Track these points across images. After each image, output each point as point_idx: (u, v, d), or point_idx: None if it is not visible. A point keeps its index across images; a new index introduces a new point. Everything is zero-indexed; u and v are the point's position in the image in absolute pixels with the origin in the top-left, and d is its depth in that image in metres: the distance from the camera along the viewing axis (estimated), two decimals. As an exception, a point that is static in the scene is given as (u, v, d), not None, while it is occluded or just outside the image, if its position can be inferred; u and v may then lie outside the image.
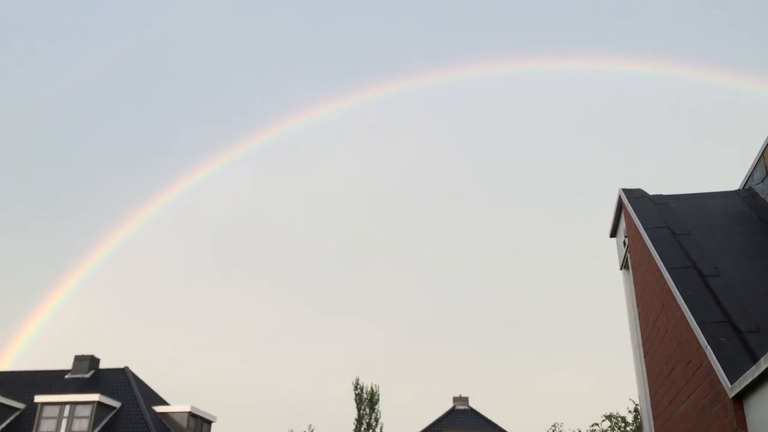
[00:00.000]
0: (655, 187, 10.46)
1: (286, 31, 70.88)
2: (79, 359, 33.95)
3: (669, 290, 7.66)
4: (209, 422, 33.36)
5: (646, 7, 67.29)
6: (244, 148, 55.96)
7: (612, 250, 12.14)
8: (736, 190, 10.39)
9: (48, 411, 29.42)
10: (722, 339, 6.12)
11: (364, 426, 40.50)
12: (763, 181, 9.83)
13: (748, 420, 5.48)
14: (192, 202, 67.44)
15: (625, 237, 10.78)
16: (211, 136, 74.86)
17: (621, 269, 11.65)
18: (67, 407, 29.38)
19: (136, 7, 68.57)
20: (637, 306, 10.33)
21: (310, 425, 42.64)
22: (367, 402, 41.10)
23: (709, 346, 6.08)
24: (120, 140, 71.32)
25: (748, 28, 66.27)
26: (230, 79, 72.22)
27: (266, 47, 71.57)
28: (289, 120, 57.61)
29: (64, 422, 29.15)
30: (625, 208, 10.34)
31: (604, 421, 29.60)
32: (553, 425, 33.80)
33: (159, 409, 31.59)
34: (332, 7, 71.18)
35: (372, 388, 41.58)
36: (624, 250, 11.08)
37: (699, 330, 6.38)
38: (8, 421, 30.50)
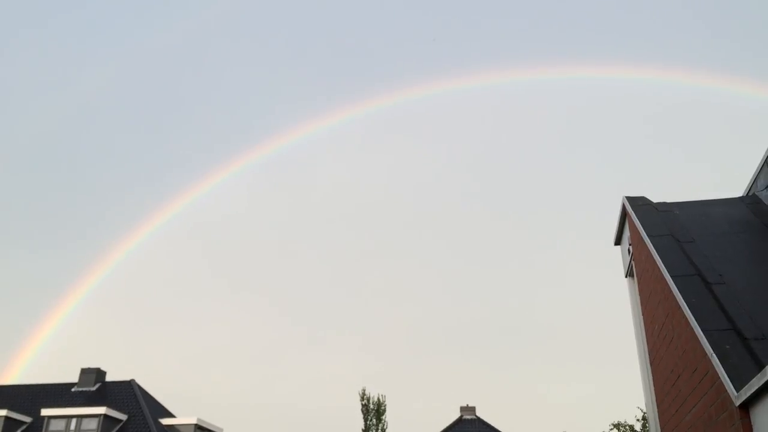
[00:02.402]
0: (648, 193, 10.49)
1: (274, 50, 71.54)
2: (85, 372, 33.99)
3: (674, 298, 7.65)
4: (216, 434, 33.33)
5: (631, 14, 67.47)
6: (241, 164, 56.29)
7: (613, 258, 12.15)
8: (740, 197, 10.39)
9: (55, 424, 29.44)
10: (727, 347, 6.11)
11: (371, 436, 40.37)
12: (767, 187, 9.82)
13: (754, 428, 5.46)
14: (195, 217, 67.67)
15: (630, 245, 10.78)
16: (209, 152, 75.30)
17: (626, 277, 11.65)
18: (74, 420, 29.40)
19: (133, 25, 69.11)
20: (643, 314, 10.32)
21: (316, 436, 42.56)
22: (373, 412, 40.97)
23: (714, 354, 6.07)
24: (119, 155, 71.84)
25: (741, 33, 66.31)
26: (224, 98, 72.77)
27: (256, 65, 72.19)
28: (281, 135, 57.95)
29: (70, 435, 29.18)
30: (629, 216, 10.35)
31: (612, 429, 29.41)
32: (561, 434, 33.58)
33: (165, 421, 31.57)
34: (319, 26, 71.72)
35: (378, 398, 41.48)
36: (628, 258, 11.08)
37: (704, 338, 6.37)
38: (15, 434, 30.54)
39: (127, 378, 33.94)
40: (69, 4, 68.81)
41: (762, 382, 5.08)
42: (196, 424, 31.35)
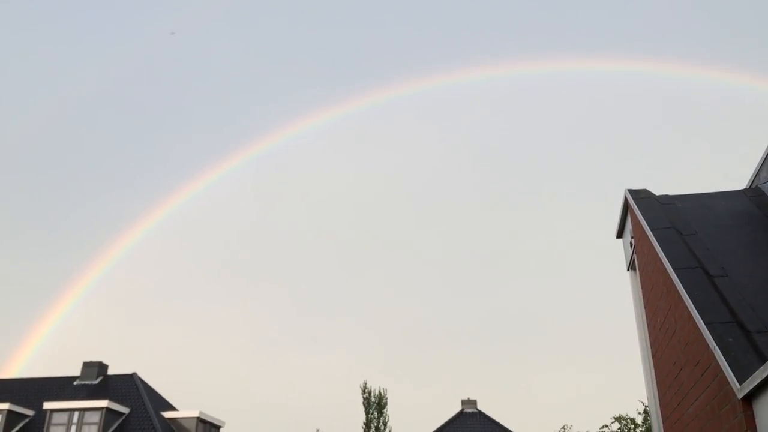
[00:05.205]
0: (648, 185, 10.45)
1: (277, 42, 71.32)
2: (87, 365, 34.05)
3: (676, 291, 7.63)
4: (217, 427, 33.40)
5: (634, 7, 67.24)
6: (243, 156, 56.20)
7: (612, 250, 12.12)
8: (742, 190, 10.35)
9: (57, 417, 29.51)
10: (730, 339, 6.09)
11: (373, 430, 40.45)
12: (769, 180, 9.78)
13: (757, 420, 5.45)
14: (195, 210, 67.65)
15: (632, 238, 10.75)
16: (210, 145, 75.22)
17: (628, 270, 11.62)
18: (76, 413, 29.46)
19: (132, 18, 68.96)
20: (645, 307, 10.29)
21: (317, 429, 42.69)
22: (375, 406, 41.05)
23: (717, 347, 6.05)
24: (119, 149, 71.83)
25: (740, 25, 66.04)
26: (227, 90, 72.56)
27: (258, 58, 72.07)
28: (286, 129, 57.80)
29: (73, 428, 29.24)
30: (631, 209, 10.32)
31: (613, 422, 29.47)
32: (563, 427, 33.73)
33: (167, 414, 31.64)
34: (322, 18, 71.49)
35: (380, 391, 41.55)
36: (630, 251, 11.05)
37: (707, 330, 6.35)
38: (18, 427, 30.61)
39: (129, 371, 34.01)
40: (63, 4, 68.72)
41: (765, 374, 5.06)
42: (198, 418, 31.40)
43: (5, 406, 30.01)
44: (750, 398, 5.53)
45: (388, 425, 40.76)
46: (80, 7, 69.34)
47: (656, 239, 8.57)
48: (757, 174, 10.20)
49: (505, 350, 64.94)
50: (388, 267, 72.38)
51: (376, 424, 40.59)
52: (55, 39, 69.16)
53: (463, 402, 39.02)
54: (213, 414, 33.01)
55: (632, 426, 28.74)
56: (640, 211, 9.63)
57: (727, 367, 5.77)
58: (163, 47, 67.27)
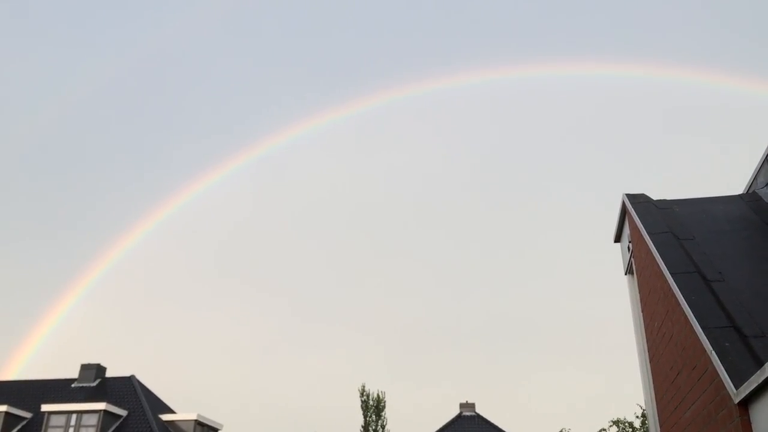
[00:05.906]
0: (647, 188, 10.49)
1: (276, 47, 71.59)
2: (85, 368, 34.02)
3: (673, 295, 7.65)
4: (215, 430, 33.37)
5: (634, 10, 67.43)
6: (241, 160, 56.44)
7: (611, 253, 12.15)
8: (740, 195, 10.38)
9: (55, 420, 29.48)
10: (727, 344, 6.11)
11: (371, 433, 40.43)
12: (767, 185, 9.82)
13: (753, 425, 5.47)
14: (194, 212, 67.78)
15: (629, 242, 10.78)
16: (210, 148, 75.44)
17: (626, 274, 11.64)
18: (74, 416, 29.44)
19: (134, 23, 69.08)
20: (642, 311, 10.32)
21: (315, 432, 42.64)
22: (373, 409, 41.02)
23: (713, 352, 6.07)
24: (119, 151, 71.90)
25: (740, 28, 66.22)
26: (226, 94, 72.85)
27: (257, 61, 72.24)
28: (283, 132, 57.97)
29: (71, 431, 29.21)
30: (629, 213, 10.35)
31: (611, 426, 29.45)
32: (561, 430, 33.69)
33: (165, 417, 31.62)
34: (322, 21, 71.74)
35: (378, 394, 41.52)
36: (628, 255, 11.08)
37: (703, 335, 6.37)
38: (15, 430, 30.57)
39: (127, 374, 34.00)
40: (66, 5, 68.80)
41: (761, 379, 5.08)
42: (196, 420, 31.39)
43: (3, 408, 29.98)
44: (746, 403, 5.56)
45: (386, 428, 40.75)
46: (82, 10, 69.47)
47: (653, 244, 8.59)
48: (755, 179, 10.23)
49: (504, 353, 64.99)
50: (387, 268, 72.46)
51: (374, 427, 40.56)
52: (57, 41, 69.25)
53: (461, 405, 39.00)
54: (211, 416, 33.00)
55: (630, 430, 28.74)
56: (637, 215, 9.66)
57: (724, 371, 5.79)
58: (164, 50, 67.43)
